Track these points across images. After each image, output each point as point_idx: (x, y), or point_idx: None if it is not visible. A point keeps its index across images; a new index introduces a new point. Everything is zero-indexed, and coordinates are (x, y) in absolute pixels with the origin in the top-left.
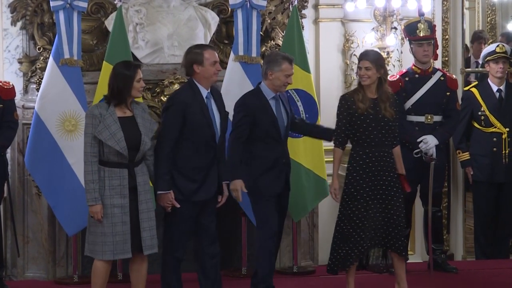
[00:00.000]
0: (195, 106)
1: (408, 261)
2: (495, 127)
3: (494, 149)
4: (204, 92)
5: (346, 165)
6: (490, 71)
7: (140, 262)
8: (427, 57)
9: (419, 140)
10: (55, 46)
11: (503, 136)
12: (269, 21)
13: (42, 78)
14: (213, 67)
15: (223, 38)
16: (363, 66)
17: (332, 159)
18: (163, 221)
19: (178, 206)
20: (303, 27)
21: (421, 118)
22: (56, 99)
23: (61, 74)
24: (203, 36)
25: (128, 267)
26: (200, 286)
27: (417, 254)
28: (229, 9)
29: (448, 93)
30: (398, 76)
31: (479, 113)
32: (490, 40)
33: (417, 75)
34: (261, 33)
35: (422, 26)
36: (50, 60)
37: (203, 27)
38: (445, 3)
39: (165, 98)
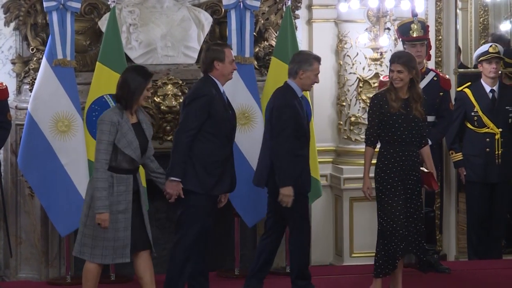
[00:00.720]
0: (218, 100)
1: None
2: (488, 128)
3: (487, 149)
4: (221, 88)
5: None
6: (483, 72)
7: (148, 259)
8: (420, 57)
9: None
10: (48, 46)
11: (496, 137)
12: (262, 21)
13: (35, 79)
14: (231, 65)
15: (217, 38)
16: (395, 70)
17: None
18: (178, 224)
19: (183, 197)
20: (296, 28)
21: None
22: (49, 99)
23: (54, 74)
24: (196, 37)
25: (119, 268)
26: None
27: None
28: (223, 9)
29: (441, 93)
30: None
31: (472, 113)
32: (483, 41)
33: None
34: (254, 33)
35: (415, 26)
36: (43, 61)
37: (196, 28)
38: (438, 3)
39: (158, 99)
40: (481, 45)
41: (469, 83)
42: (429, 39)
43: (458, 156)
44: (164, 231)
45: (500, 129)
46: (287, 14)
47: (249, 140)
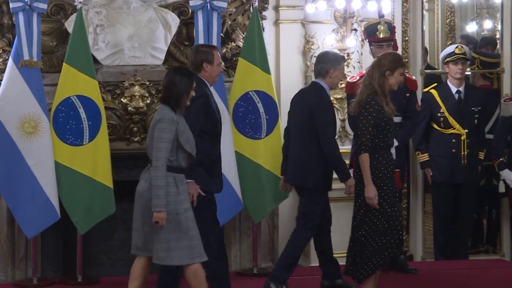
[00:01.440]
0: (211, 99)
1: None
2: (454, 129)
3: (453, 150)
4: (210, 89)
5: None
6: (450, 72)
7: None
8: None
9: None
10: (15, 47)
11: (462, 138)
12: (229, 22)
13: (1, 80)
14: (218, 68)
15: (184, 39)
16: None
17: None
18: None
19: (204, 194)
20: (263, 29)
21: None
22: (15, 100)
23: (21, 75)
24: (163, 38)
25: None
26: None
27: None
28: (190, 10)
29: (407, 94)
30: (358, 78)
31: (438, 114)
32: (449, 42)
33: None
34: (221, 34)
35: (382, 27)
36: (10, 62)
37: (163, 29)
38: (405, 4)
39: (125, 100)
40: (448, 46)
41: (435, 84)
42: (395, 40)
43: (425, 157)
44: (131, 232)
45: (466, 130)
46: (254, 15)
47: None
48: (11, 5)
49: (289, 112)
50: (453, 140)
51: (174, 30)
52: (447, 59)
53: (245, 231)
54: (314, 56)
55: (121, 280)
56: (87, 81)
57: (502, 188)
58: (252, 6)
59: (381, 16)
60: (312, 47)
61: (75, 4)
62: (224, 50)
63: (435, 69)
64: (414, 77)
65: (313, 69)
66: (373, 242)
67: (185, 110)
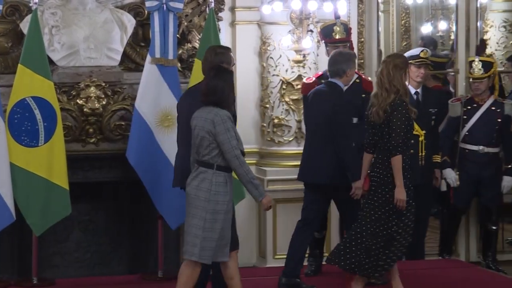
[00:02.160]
0: None
1: (323, 263)
2: (413, 130)
3: (411, 151)
4: None
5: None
6: (410, 74)
7: (237, 259)
8: None
9: None
10: None
11: (420, 139)
12: (185, 23)
13: None
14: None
15: (140, 40)
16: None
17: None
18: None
19: None
20: (219, 30)
21: None
22: None
23: None
24: (119, 39)
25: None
26: None
27: None
28: (146, 11)
29: (363, 96)
30: (314, 79)
31: None
32: (404, 43)
33: None
34: (178, 35)
35: (337, 28)
36: None
37: (119, 30)
38: (361, 6)
39: (81, 101)
40: (403, 47)
41: None
42: (351, 41)
43: None
44: (87, 234)
45: (424, 131)
46: (210, 16)
47: (172, 142)
48: None
49: (305, 113)
50: (412, 141)
51: (130, 31)
52: (410, 61)
53: None
54: (271, 57)
55: (76, 282)
56: (42, 82)
57: (444, 187)
58: (208, 7)
59: (337, 17)
60: (268, 48)
61: (31, 5)
62: (180, 51)
63: None
64: (370, 78)
65: (269, 70)
66: (402, 239)
67: None
